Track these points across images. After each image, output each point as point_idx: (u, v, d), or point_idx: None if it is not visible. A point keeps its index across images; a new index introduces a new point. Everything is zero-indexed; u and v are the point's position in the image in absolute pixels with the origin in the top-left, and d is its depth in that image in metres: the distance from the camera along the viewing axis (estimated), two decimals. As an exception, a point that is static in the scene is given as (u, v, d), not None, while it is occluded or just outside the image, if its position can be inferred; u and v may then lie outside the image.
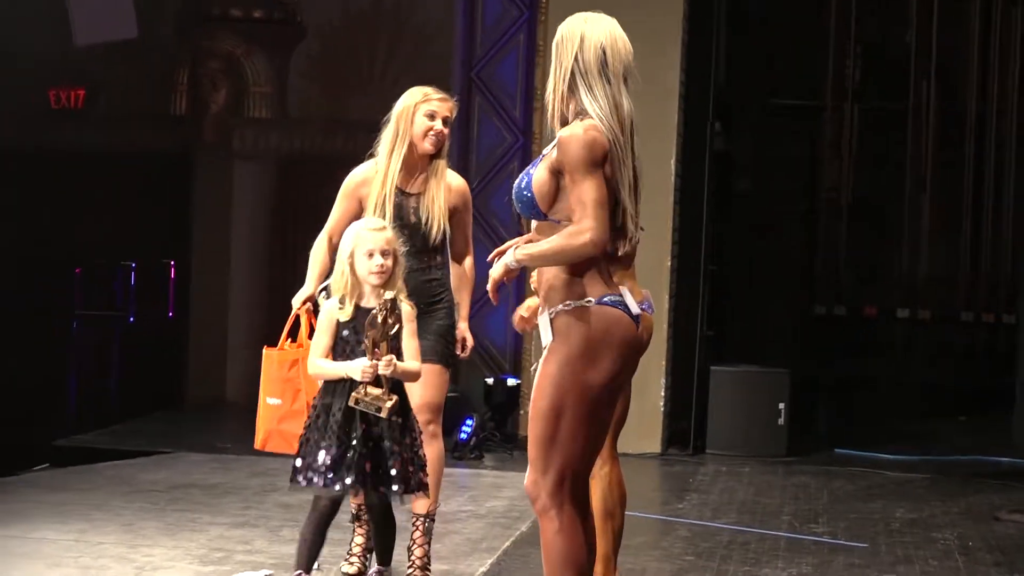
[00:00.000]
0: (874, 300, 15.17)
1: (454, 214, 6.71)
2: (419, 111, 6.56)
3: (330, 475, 5.80)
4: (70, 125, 14.98)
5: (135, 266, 14.63)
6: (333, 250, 6.40)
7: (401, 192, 6.59)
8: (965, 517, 9.41)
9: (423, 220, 6.59)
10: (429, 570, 6.79)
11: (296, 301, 6.51)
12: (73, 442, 11.77)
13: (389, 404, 5.77)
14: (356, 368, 5.78)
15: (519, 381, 11.88)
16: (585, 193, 4.75)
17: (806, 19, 15.50)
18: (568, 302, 4.83)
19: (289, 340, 6.59)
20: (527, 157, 11.99)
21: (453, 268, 6.83)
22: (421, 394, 6.52)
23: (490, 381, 11.91)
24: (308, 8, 14.61)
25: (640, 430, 11.29)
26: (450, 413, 10.77)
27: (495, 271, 4.96)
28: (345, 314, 5.91)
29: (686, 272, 11.92)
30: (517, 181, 4.97)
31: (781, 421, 11.79)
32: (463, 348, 6.85)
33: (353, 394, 5.77)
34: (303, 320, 6.53)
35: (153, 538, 7.73)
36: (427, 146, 6.58)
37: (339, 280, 5.94)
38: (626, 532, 7.94)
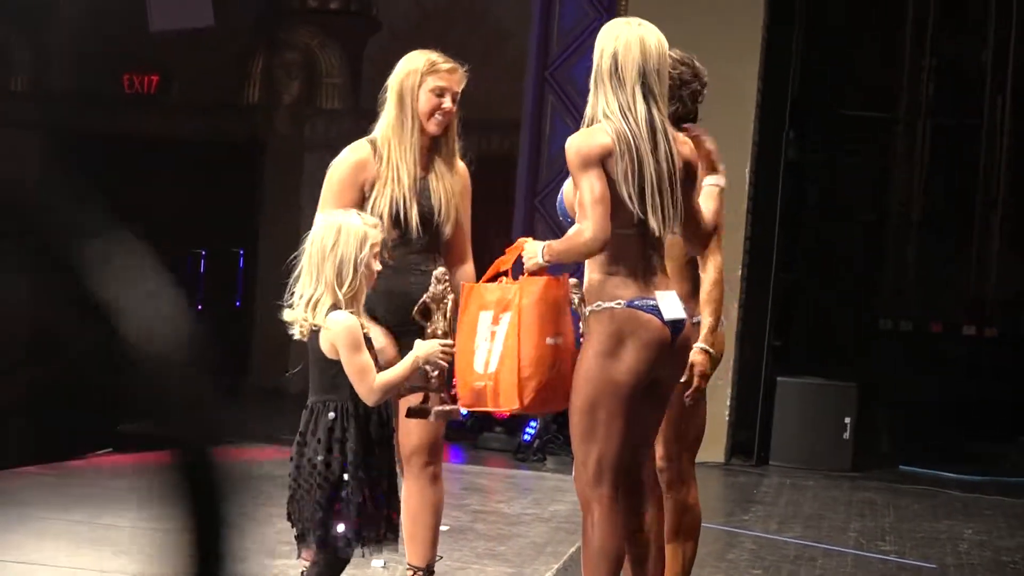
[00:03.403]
0: (940, 316, 14.99)
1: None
2: (425, 85, 5.58)
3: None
4: (143, 111, 14.99)
5: (204, 254, 14.63)
6: None
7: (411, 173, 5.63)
8: (1034, 541, 9.28)
9: (436, 208, 5.63)
10: None
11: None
12: (136, 428, 11.76)
13: (450, 408, 5.10)
14: (429, 348, 4.79)
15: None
16: (584, 193, 4.95)
17: (882, 32, 15.34)
18: (599, 303, 5.04)
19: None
20: (599, 159, 11.90)
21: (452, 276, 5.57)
22: (418, 432, 5.56)
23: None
24: (384, 2, 14.59)
25: (704, 439, 11.16)
26: (513, 416, 10.72)
27: (530, 265, 5.07)
28: (366, 328, 4.79)
29: (756, 282, 11.80)
30: (558, 197, 5.39)
31: (847, 435, 11.66)
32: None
33: (432, 406, 4.94)
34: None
35: (218, 529, 7.66)
36: (433, 128, 5.62)
37: (349, 288, 4.71)
38: (692, 542, 7.86)
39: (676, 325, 5.08)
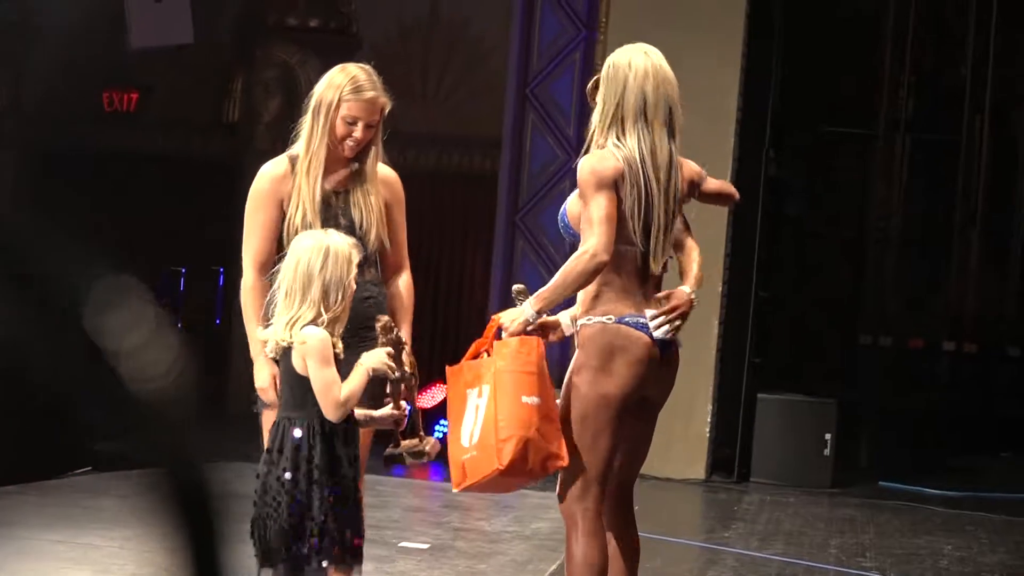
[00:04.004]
0: (920, 332, 15.02)
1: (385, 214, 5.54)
2: (340, 110, 5.34)
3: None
4: (122, 128, 14.96)
5: (184, 272, 14.59)
6: (266, 288, 5.20)
7: (322, 188, 5.41)
8: (1014, 556, 9.30)
9: (357, 223, 5.40)
10: None
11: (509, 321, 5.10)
12: (115, 447, 11.73)
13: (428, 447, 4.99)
14: (376, 356, 4.75)
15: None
16: (592, 211, 5.03)
17: (861, 48, 15.38)
18: (589, 317, 5.14)
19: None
20: (579, 177, 11.93)
21: (387, 287, 5.52)
22: None
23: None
24: (364, 19, 14.56)
25: (685, 456, 11.21)
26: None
27: (514, 327, 5.04)
28: (339, 349, 4.77)
29: (736, 298, 11.83)
30: (560, 211, 5.36)
31: (827, 451, 11.68)
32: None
33: (393, 449, 4.91)
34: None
35: (198, 548, 7.64)
36: (346, 152, 5.39)
37: (335, 310, 4.70)
38: (672, 560, 7.90)
39: (665, 344, 5.17)
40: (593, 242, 4.99)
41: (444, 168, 14.19)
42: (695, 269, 5.34)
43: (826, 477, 11.69)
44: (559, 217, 5.39)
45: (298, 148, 5.44)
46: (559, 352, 12.02)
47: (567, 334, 5.32)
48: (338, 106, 5.34)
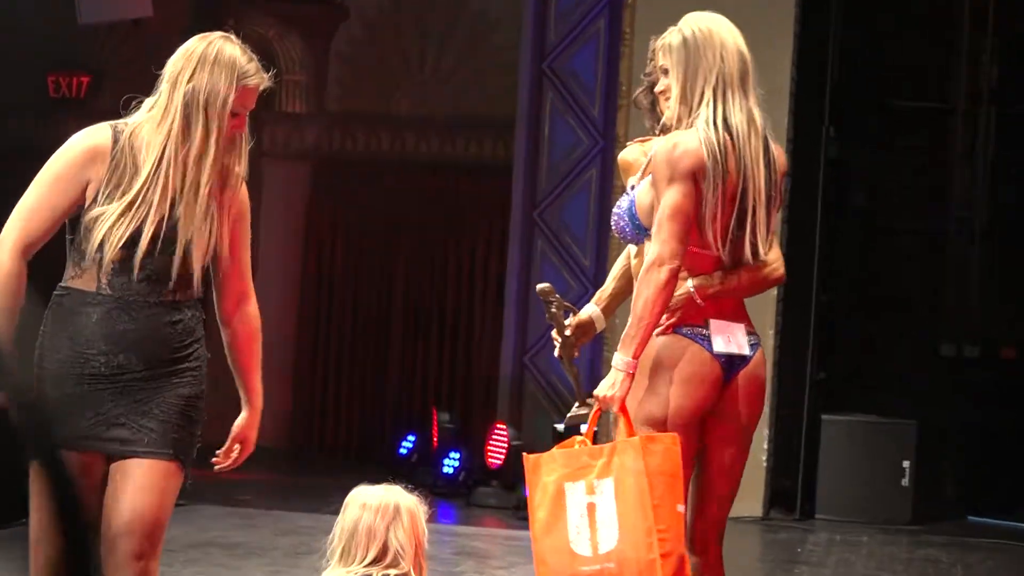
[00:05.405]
0: (1012, 340, 14.94)
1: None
2: (232, 104, 5.03)
3: None
4: (71, 116, 14.94)
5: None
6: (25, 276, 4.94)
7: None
8: None
9: (179, 231, 4.97)
10: None
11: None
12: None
13: None
14: None
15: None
16: (662, 206, 5.06)
17: (934, 6, 15.32)
18: None
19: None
20: (607, 163, 11.88)
21: (227, 320, 5.15)
22: (132, 505, 4.86)
23: (560, 427, 11.75)
24: (351, -14, 14.56)
25: (740, 489, 11.12)
26: (513, 467, 10.65)
27: (620, 389, 5.00)
28: None
29: (794, 303, 11.77)
30: (617, 207, 5.31)
31: (905, 482, 11.65)
32: (239, 450, 5.19)
33: None
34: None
35: (167, 607, 7.62)
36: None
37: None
38: (727, 611, 7.79)
39: (732, 360, 5.14)
40: (657, 249, 4.99)
41: (448, 156, 14.16)
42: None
43: (905, 512, 11.68)
44: (625, 211, 5.29)
45: (142, 133, 5.12)
46: (590, 352, 11.98)
47: (599, 329, 5.51)
48: (232, 104, 5.02)
